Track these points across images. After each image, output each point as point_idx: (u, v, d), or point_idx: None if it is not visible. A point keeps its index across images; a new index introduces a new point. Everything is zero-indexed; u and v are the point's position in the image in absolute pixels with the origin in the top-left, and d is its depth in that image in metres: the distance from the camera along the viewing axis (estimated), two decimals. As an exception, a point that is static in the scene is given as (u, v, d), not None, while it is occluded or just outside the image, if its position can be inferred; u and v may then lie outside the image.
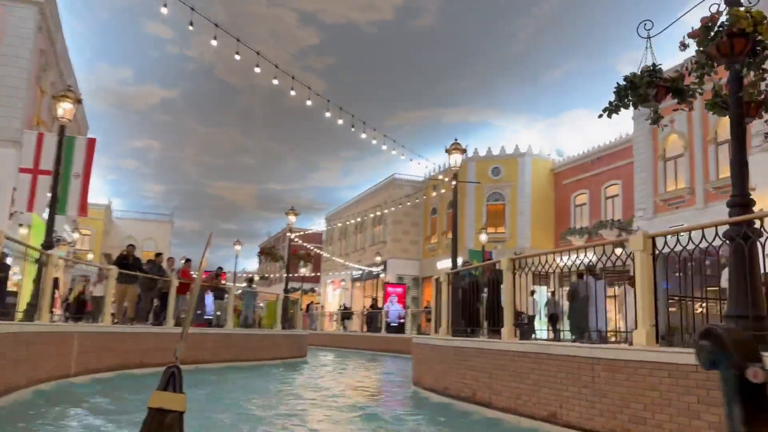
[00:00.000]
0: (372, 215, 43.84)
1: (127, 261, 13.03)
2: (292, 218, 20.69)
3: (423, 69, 51.78)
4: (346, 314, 38.78)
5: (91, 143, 11.57)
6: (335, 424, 7.73)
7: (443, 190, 36.55)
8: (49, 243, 10.46)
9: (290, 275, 21.48)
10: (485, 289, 11.59)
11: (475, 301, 12.00)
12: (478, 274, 11.55)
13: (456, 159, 14.61)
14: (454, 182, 14.94)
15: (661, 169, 23.47)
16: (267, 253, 19.95)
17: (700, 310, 7.09)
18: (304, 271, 45.80)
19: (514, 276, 8.50)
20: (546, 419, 6.45)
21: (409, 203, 35.28)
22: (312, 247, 20.97)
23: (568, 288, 17.11)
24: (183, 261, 15.85)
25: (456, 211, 14.25)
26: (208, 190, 68.57)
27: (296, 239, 22.46)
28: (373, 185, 44.50)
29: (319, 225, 52.41)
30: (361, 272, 43.93)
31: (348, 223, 48.58)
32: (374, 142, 20.26)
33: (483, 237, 24.52)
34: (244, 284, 19.55)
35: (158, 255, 14.85)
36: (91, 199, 59.31)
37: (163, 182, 68.27)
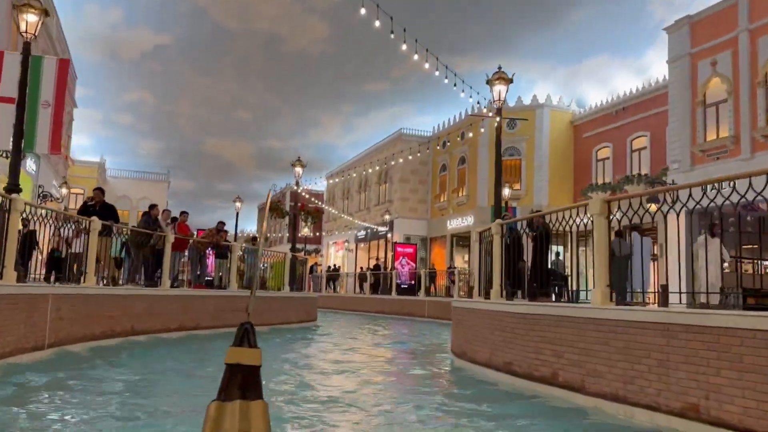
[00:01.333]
0: (377, 174, 41.83)
1: (93, 208, 10.87)
2: (298, 170, 18.73)
3: (432, 12, 48.48)
4: (332, 275, 37.19)
5: (64, 65, 9.53)
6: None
7: (465, 137, 34.48)
8: (13, 186, 8.54)
9: (297, 234, 19.65)
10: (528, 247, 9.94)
11: (518, 260, 10.26)
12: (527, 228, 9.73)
13: (500, 90, 12.56)
14: (497, 119, 12.77)
15: (700, 117, 21.43)
16: (272, 208, 18.02)
17: None
18: (306, 231, 44.07)
19: (609, 223, 6.63)
20: (680, 413, 4.68)
21: (419, 153, 33.12)
22: (319, 203, 19.02)
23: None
24: (180, 214, 13.96)
25: (499, 154, 12.22)
26: (204, 147, 66.04)
27: (304, 193, 20.53)
28: (378, 141, 42.31)
29: (320, 186, 50.43)
30: (365, 233, 42.18)
31: (351, 179, 46.60)
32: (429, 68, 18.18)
33: (506, 191, 22.63)
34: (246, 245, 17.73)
35: (153, 207, 12.95)
36: (84, 156, 56.64)
37: (158, 139, 65.66)
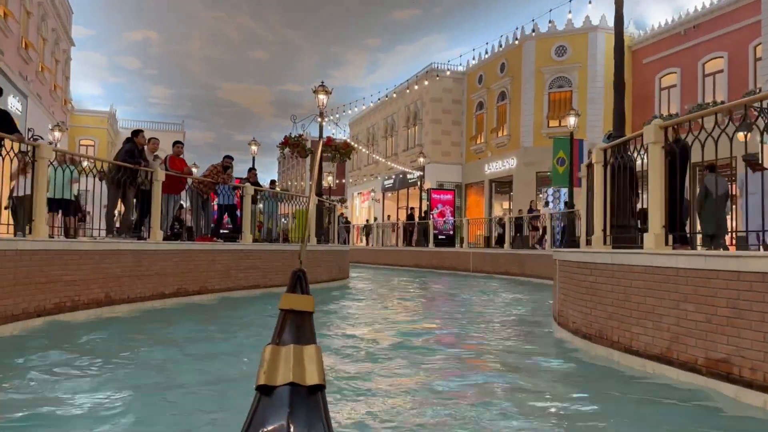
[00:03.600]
0: (405, 115, 38.28)
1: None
2: (322, 98, 15.46)
3: None
4: (368, 229, 34.32)
5: None
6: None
7: (506, 69, 30.66)
8: None
9: (322, 176, 16.49)
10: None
11: (631, 194, 7.11)
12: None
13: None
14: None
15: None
16: (293, 144, 14.85)
17: None
18: (330, 180, 40.96)
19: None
20: None
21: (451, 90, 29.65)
22: (349, 140, 15.74)
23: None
24: (174, 145, 10.87)
25: (620, 73, 8.69)
26: (218, 93, 62.22)
27: (329, 124, 17.26)
28: (405, 80, 38.55)
29: (342, 135, 46.97)
30: (392, 181, 38.97)
31: (376, 124, 43.11)
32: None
33: (572, 120, 19.12)
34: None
35: (137, 133, 9.87)
36: (93, 105, 53.86)
37: (169, 85, 61.95)
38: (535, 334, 7.32)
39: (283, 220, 18.72)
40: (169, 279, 9.50)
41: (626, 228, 6.57)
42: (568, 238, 17.61)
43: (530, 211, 23.00)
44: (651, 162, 5.24)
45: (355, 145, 15.00)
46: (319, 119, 15.53)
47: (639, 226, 7.49)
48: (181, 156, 10.74)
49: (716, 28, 23.71)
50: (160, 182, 9.65)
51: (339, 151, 15.14)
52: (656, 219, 5.17)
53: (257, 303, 10.33)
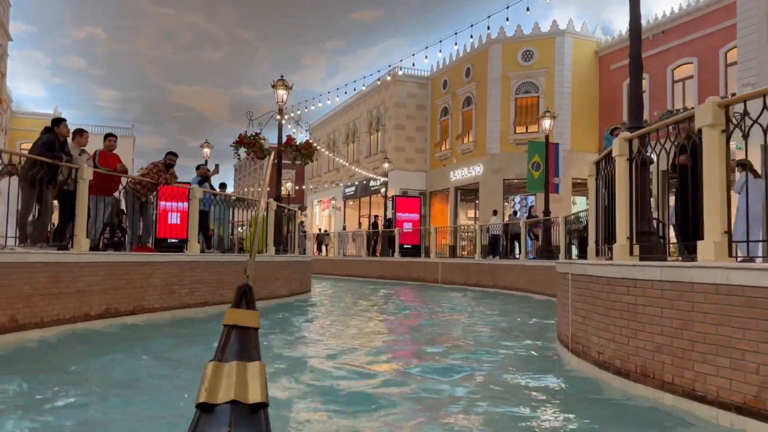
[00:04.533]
0: (368, 121, 37.07)
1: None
2: (282, 93, 14.05)
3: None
4: (322, 238, 32.97)
5: None
6: None
7: (471, 74, 29.71)
8: None
9: (281, 180, 15.02)
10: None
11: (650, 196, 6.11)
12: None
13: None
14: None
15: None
16: (249, 143, 13.34)
17: None
18: (290, 185, 39.35)
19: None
20: None
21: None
22: (312, 137, 14.20)
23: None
24: (105, 138, 9.27)
25: (637, 58, 7.62)
26: (170, 97, 59.53)
27: (289, 123, 15.69)
28: (368, 83, 37.36)
29: (304, 134, 45.31)
30: (354, 188, 37.66)
31: (337, 129, 41.74)
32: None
33: (547, 123, 18.16)
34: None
35: (58, 121, 8.28)
36: (35, 108, 50.99)
37: (117, 87, 58.91)
38: (540, 363, 6.09)
39: (239, 228, 17.22)
40: (95, 297, 7.92)
41: (646, 235, 5.43)
42: (544, 247, 16.61)
43: (533, 215, 21.95)
44: (708, 152, 4.08)
45: (318, 147, 13.58)
46: (278, 117, 14.11)
47: (662, 232, 6.37)
48: (114, 152, 9.16)
49: (685, 34, 23.34)
50: (87, 181, 8.08)
51: (300, 152, 13.70)
52: (715, 224, 3.99)
53: (204, 324, 8.83)
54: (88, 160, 8.46)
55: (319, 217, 46.58)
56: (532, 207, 16.74)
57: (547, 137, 18.07)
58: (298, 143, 13.53)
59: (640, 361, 4.29)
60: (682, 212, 5.97)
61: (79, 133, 8.81)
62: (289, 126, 15.29)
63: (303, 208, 42.20)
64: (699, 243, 4.14)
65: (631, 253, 5.20)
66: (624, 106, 26.41)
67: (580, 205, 27.59)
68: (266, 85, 14.23)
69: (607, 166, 5.95)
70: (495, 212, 24.16)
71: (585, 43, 27.61)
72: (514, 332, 8.94)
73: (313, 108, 27.45)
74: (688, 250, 5.72)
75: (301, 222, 29.66)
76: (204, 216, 11.47)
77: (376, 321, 10.23)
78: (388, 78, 34.36)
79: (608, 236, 6.17)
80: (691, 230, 5.21)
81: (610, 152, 5.93)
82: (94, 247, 8.50)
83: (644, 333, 4.27)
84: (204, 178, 11.69)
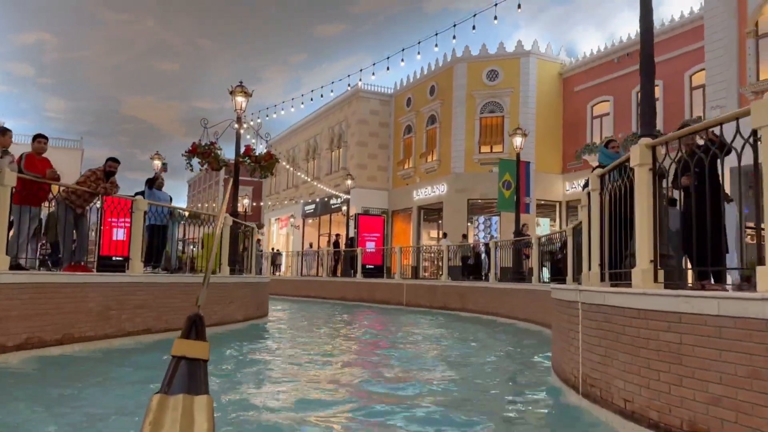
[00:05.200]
0: (329, 137, 36.18)
1: None
2: (240, 100, 13.03)
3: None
4: (274, 257, 31.79)
5: None
6: None
7: (436, 91, 29.13)
8: None
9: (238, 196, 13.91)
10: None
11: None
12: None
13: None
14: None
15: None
16: (203, 152, 12.22)
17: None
18: (246, 203, 37.97)
19: None
20: None
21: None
22: (273, 151, 13.13)
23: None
24: (33, 140, 8.03)
25: (650, 60, 6.95)
26: (122, 108, 56.96)
27: (248, 132, 14.52)
28: (330, 100, 36.56)
29: (264, 145, 43.96)
30: (314, 206, 36.59)
31: (297, 146, 40.64)
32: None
33: (518, 140, 17.57)
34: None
35: (3, 131, 7.09)
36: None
37: (67, 96, 55.99)
38: (545, 409, 5.21)
39: (191, 247, 16.00)
40: (13, 325, 6.69)
41: (664, 259, 4.67)
42: (515, 270, 15.92)
43: (524, 234, 21.30)
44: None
45: (279, 159, 12.56)
46: (236, 126, 13.06)
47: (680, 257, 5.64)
48: (44, 156, 7.96)
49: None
50: (9, 188, 6.89)
51: (260, 164, 12.65)
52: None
53: (143, 356, 7.66)
54: (11, 163, 7.27)
55: (276, 235, 45.19)
56: (524, 226, 15.89)
57: (518, 155, 17.50)
58: (257, 154, 12.48)
59: (688, 415, 3.46)
60: (697, 235, 5.26)
61: (2, 132, 7.61)
62: (248, 136, 14.24)
63: (260, 226, 40.80)
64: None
65: (656, 280, 4.41)
66: (588, 126, 26.31)
67: (545, 226, 27.24)
68: (224, 98, 13.16)
69: (619, 179, 5.17)
70: (445, 235, 23.74)
71: (549, 65, 27.51)
72: (503, 364, 8.07)
73: (275, 115, 26.32)
74: (699, 276, 5.01)
75: (258, 240, 28.36)
76: (159, 231, 10.33)
77: (338, 356, 9.16)
78: (352, 94, 33.65)
79: (617, 260, 5.41)
80: (694, 255, 4.51)
81: (622, 163, 5.18)
82: (16, 266, 7.28)
83: (694, 380, 3.44)
84: (152, 181, 10.52)
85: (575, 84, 27.06)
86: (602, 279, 5.65)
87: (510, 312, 14.23)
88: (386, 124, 33.40)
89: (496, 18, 19.15)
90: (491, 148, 27.32)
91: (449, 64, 28.50)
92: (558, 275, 13.60)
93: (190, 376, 1.51)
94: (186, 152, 12.38)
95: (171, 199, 11.49)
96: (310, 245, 32.38)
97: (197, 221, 12.04)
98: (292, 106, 23.65)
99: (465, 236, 23.26)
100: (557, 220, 27.45)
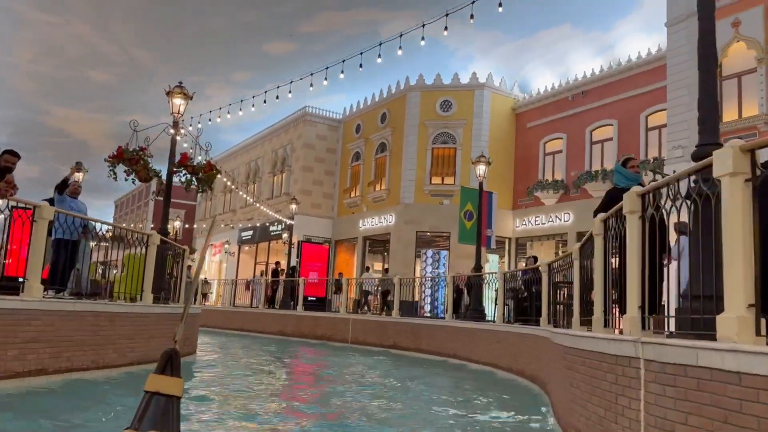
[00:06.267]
0: (272, 161, 34.50)
1: None
2: (179, 103, 11.38)
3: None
4: (202, 286, 29.61)
5: None
6: None
7: (387, 119, 28.04)
8: None
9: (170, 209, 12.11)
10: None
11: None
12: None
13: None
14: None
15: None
16: (130, 158, 10.43)
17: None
18: (177, 226, 35.53)
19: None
20: None
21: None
22: (212, 159, 11.48)
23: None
24: None
25: (711, 55, 5.55)
26: (48, 120, 52.75)
27: (186, 140, 12.77)
28: (275, 122, 35.02)
29: (203, 155, 41.49)
30: (252, 232, 34.57)
31: (237, 168, 38.62)
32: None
33: (481, 168, 16.55)
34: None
35: None
36: None
37: (-14, 104, 51.57)
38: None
39: (114, 271, 13.99)
40: None
41: (709, 301, 3.50)
42: (474, 308, 14.69)
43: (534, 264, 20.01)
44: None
45: (221, 171, 10.89)
46: (173, 131, 11.37)
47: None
48: None
49: (606, 96, 23.23)
50: (47, 221, 5.02)
51: (198, 176, 10.94)
52: None
53: (32, 405, 5.83)
54: None
55: (208, 262, 42.59)
56: (535, 258, 14.28)
57: (481, 184, 16.47)
58: (195, 164, 10.79)
59: None
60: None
61: None
62: (186, 145, 12.53)
63: (192, 251, 38.25)
64: None
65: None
66: (540, 163, 25.84)
67: (494, 263, 26.33)
68: (161, 113, 11.49)
69: (679, 197, 3.96)
70: (386, 270, 22.62)
71: (503, 99, 27.08)
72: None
73: (218, 120, 24.44)
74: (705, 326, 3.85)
75: (189, 266, 26.05)
76: (68, 247, 8.50)
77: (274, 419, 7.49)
78: (298, 117, 32.24)
79: (652, 303, 4.21)
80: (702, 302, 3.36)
81: (660, 186, 3.99)
82: None
83: None
84: (62, 185, 8.73)
85: (528, 120, 26.69)
86: (644, 326, 4.40)
87: (472, 354, 12.92)
88: (333, 150, 32.09)
89: (423, 39, 17.83)
90: (443, 179, 26.43)
91: (402, 92, 27.65)
92: (522, 315, 12.45)
93: (162, 414, 1.46)
94: (110, 157, 10.56)
95: (87, 209, 9.68)
96: (262, 273, 30.12)
97: (120, 240, 10.16)
98: (230, 112, 21.72)
99: (387, 270, 21.96)
100: (506, 257, 26.67)
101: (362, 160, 29.88)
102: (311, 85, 18.44)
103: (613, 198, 6.35)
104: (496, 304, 13.86)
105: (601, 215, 5.81)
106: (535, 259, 13.75)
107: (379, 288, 20.19)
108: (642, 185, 6.54)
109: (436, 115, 26.71)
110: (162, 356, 1.55)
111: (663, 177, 5.61)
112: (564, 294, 9.66)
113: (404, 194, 26.60)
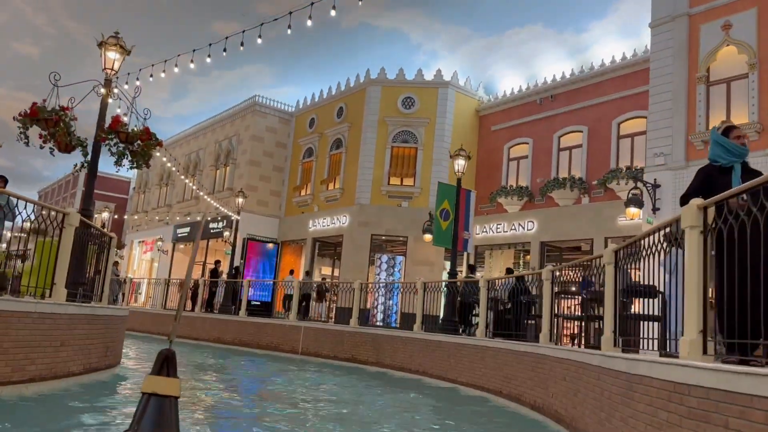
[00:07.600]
0: (215, 152, 32.01)
1: None
2: (113, 57, 9.25)
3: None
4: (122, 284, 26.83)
5: None
6: None
7: (344, 113, 26.15)
8: None
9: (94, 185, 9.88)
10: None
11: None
12: None
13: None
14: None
15: (701, 97, 15.98)
16: (47, 119, 8.27)
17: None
18: (105, 217, 32.52)
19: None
20: None
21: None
22: (158, 142, 9.43)
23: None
24: None
25: None
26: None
27: (119, 102, 10.51)
28: (223, 110, 32.58)
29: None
30: (188, 229, 31.90)
31: (175, 159, 35.77)
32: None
33: (460, 162, 14.96)
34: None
35: None
36: None
37: None
38: None
39: (21, 263, 11.61)
40: None
41: None
42: (447, 318, 13.04)
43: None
44: None
45: (161, 143, 8.75)
46: (103, 91, 9.22)
47: None
48: None
49: (576, 101, 22.26)
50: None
51: (132, 145, 8.80)
52: None
53: None
54: None
55: (138, 260, 39.37)
56: (509, 269, 12.32)
57: (458, 180, 14.88)
58: (129, 130, 8.67)
59: None
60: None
61: None
62: (118, 109, 10.32)
63: (121, 246, 35.03)
64: None
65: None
66: (504, 168, 24.65)
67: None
68: (90, 96, 9.28)
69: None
70: (308, 273, 20.73)
71: (468, 100, 25.79)
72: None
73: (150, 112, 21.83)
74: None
75: (116, 263, 23.22)
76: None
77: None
78: (247, 107, 29.96)
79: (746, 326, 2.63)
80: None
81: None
82: None
83: None
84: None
85: (492, 123, 25.49)
86: (705, 351, 2.80)
87: (446, 372, 11.25)
88: (284, 144, 29.98)
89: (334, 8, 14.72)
90: (402, 180, 24.83)
91: (362, 86, 25.94)
92: (503, 330, 10.91)
93: (160, 415, 1.44)
94: (20, 115, 8.33)
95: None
96: (207, 275, 27.52)
97: (34, 222, 7.89)
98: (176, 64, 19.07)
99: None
100: (464, 265, 25.29)
101: (315, 156, 27.93)
102: (224, 49, 16.16)
103: (709, 178, 4.82)
104: (473, 316, 12.27)
105: (697, 201, 4.22)
106: (509, 270, 12.41)
107: (301, 292, 18.16)
108: (746, 163, 5.03)
109: (398, 112, 25.14)
110: (157, 357, 1.50)
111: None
112: (572, 305, 8.16)
113: (360, 194, 24.82)
